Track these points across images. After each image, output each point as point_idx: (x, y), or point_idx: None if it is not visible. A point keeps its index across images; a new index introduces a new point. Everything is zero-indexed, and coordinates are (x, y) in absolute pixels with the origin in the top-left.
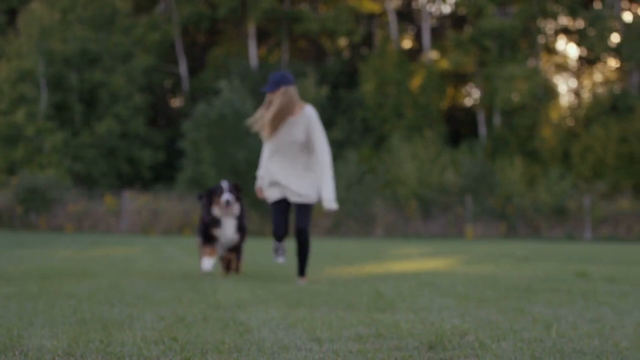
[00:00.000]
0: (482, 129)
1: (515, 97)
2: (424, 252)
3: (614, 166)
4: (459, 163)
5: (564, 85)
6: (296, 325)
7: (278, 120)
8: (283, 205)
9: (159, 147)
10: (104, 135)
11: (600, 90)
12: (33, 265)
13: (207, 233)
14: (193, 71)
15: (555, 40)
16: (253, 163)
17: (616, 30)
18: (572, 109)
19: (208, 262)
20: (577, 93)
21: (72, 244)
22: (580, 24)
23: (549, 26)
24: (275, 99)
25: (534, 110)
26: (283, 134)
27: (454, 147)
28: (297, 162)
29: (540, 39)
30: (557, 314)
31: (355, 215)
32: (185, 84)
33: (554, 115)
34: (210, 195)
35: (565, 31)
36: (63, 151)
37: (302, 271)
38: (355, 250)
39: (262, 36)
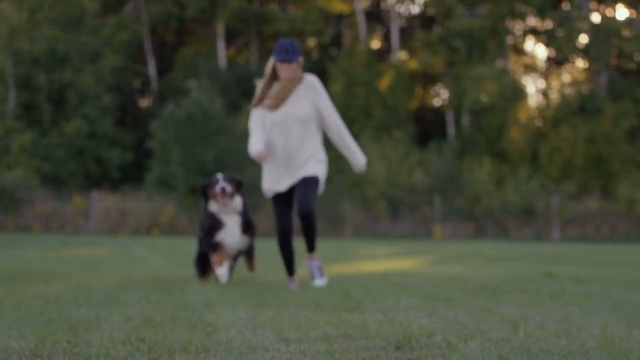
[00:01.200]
0: (451, 129)
1: (484, 98)
2: (392, 252)
3: (582, 167)
4: (427, 163)
5: (532, 86)
6: (264, 325)
7: (285, 93)
8: (286, 198)
9: (127, 147)
10: (72, 135)
11: (568, 90)
12: (0, 266)
13: (210, 241)
14: (162, 71)
15: (523, 41)
16: (222, 163)
17: (584, 31)
18: (541, 110)
19: (223, 271)
20: (545, 94)
21: (40, 244)
22: (548, 24)
23: (518, 27)
24: (289, 70)
25: (503, 111)
26: (285, 112)
27: (423, 147)
28: (305, 144)
29: (509, 40)
30: (525, 314)
31: (324, 216)
32: (154, 84)
33: (522, 116)
34: (205, 190)
35: (534, 32)
36: (31, 151)
37: (311, 246)
38: (324, 250)
39: (231, 36)
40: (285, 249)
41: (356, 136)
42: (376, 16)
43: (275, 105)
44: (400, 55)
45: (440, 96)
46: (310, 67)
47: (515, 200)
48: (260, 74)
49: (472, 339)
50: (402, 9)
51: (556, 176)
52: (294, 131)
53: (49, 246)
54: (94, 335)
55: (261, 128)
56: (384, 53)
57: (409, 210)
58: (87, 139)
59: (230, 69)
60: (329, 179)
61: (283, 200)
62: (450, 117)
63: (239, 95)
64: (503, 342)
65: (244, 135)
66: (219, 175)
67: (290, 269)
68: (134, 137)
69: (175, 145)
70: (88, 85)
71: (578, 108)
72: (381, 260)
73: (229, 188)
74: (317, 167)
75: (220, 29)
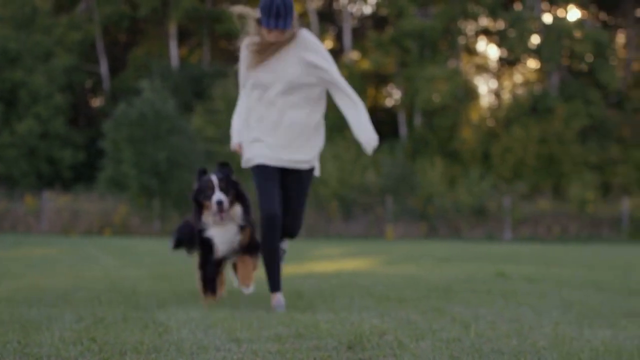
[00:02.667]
0: (403, 130)
1: (436, 98)
2: (345, 253)
3: (534, 167)
4: (379, 164)
5: (484, 86)
6: (216, 325)
7: (270, 52)
8: (273, 172)
9: (79, 147)
10: (24, 135)
11: (520, 91)
12: None
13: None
14: (114, 71)
15: (475, 41)
16: (174, 162)
17: (536, 32)
18: (492, 110)
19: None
20: (497, 94)
21: None
22: (500, 25)
23: (470, 27)
24: (280, 35)
25: (455, 111)
26: (272, 76)
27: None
28: (298, 118)
29: (461, 40)
30: (476, 314)
31: None
32: (106, 83)
33: (474, 116)
34: (197, 200)
35: (486, 32)
36: None
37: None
38: None
39: (183, 36)
40: (272, 240)
41: None
42: (328, 16)
43: (257, 63)
44: (353, 55)
45: (392, 96)
46: None
47: (467, 200)
48: (212, 74)
49: (423, 338)
50: (354, 9)
51: (508, 176)
52: (285, 107)
53: (0, 246)
54: (45, 336)
55: (242, 116)
56: (336, 53)
57: (361, 210)
58: (39, 138)
59: (183, 69)
60: None
61: (271, 173)
62: (402, 118)
63: (191, 95)
64: (454, 342)
65: (197, 135)
66: (214, 178)
67: (275, 280)
68: (86, 136)
69: (127, 145)
70: (40, 84)
71: (530, 108)
72: (334, 261)
73: (226, 202)
74: (314, 158)
75: (172, 29)
